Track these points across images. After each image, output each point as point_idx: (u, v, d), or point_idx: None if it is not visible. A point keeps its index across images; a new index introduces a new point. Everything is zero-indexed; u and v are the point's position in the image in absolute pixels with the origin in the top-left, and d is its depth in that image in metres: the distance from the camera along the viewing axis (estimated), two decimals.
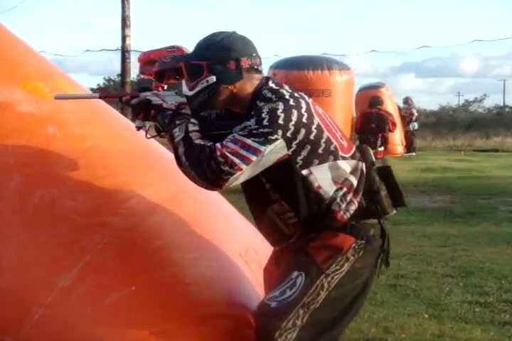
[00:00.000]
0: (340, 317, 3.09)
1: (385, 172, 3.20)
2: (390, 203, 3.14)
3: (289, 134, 2.82)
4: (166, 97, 3.08)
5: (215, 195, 4.29)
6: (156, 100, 3.04)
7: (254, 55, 2.99)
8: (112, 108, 4.44)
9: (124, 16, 23.19)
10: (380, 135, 14.23)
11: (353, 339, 4.85)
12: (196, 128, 2.91)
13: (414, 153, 23.66)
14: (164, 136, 3.11)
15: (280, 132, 2.80)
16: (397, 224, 8.75)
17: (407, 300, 6.08)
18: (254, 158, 2.77)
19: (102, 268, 3.24)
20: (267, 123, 2.79)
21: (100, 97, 3.71)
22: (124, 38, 23.27)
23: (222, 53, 2.91)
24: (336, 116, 13.35)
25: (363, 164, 3.11)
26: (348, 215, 3.00)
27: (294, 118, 2.84)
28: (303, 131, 2.87)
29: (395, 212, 3.18)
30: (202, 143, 2.84)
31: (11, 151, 3.48)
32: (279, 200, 3.05)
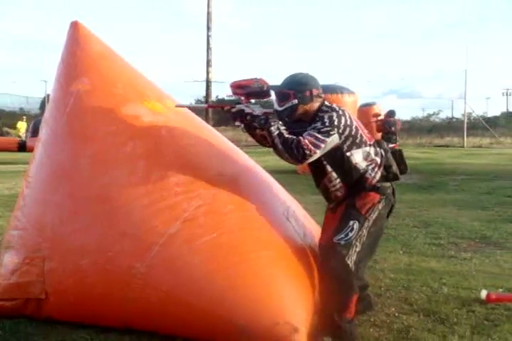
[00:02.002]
0: (374, 243, 4.28)
1: (398, 154, 4.37)
2: (398, 173, 4.26)
3: (340, 131, 4.04)
4: (254, 108, 4.21)
5: (266, 175, 5.16)
6: (248, 110, 4.19)
7: (319, 87, 4.24)
8: (200, 118, 5.25)
9: (208, 59, 33.96)
10: (396, 134, 17.29)
11: None
12: (284, 127, 4.07)
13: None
14: (251, 132, 4.27)
15: (336, 129, 4.03)
16: None
17: (388, 242, 7.29)
18: (322, 145, 3.97)
19: (195, 221, 3.99)
20: (328, 124, 4.02)
21: (208, 107, 5.10)
22: (207, 73, 34.36)
23: (302, 86, 4.15)
24: None
25: (381, 150, 4.26)
26: (375, 180, 4.17)
27: (343, 121, 4.07)
28: (348, 129, 4.09)
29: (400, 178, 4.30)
30: (291, 136, 4.00)
31: (138, 145, 4.26)
32: (331, 173, 4.20)
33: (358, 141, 4.14)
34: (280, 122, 4.09)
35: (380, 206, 4.18)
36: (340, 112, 4.12)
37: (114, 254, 3.94)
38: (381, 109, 22.93)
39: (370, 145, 4.21)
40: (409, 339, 4.06)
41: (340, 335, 3.97)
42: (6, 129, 37.56)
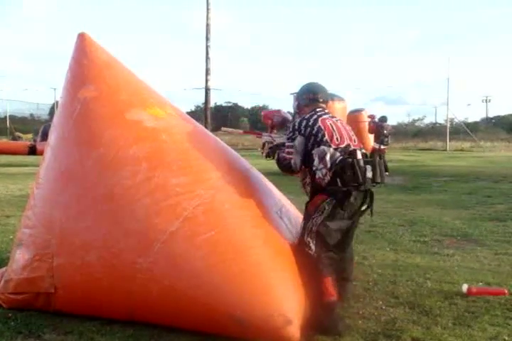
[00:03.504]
0: (341, 237, 4.31)
1: (371, 162, 4.30)
2: (354, 180, 4.15)
3: (302, 132, 4.23)
4: (275, 138, 4.58)
5: (261, 176, 5.17)
6: (269, 139, 4.61)
7: (317, 92, 4.53)
8: (201, 125, 5.30)
9: (207, 68, 34.13)
10: (388, 137, 17.06)
11: None
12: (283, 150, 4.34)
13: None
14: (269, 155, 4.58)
15: (296, 132, 4.25)
16: None
17: (376, 240, 7.33)
18: (292, 150, 4.23)
19: (195, 220, 3.97)
20: (291, 130, 4.32)
21: (243, 133, 5.81)
22: (206, 81, 34.48)
23: (301, 90, 4.61)
24: None
25: (346, 156, 4.18)
26: (324, 183, 4.17)
27: (304, 123, 4.28)
28: (308, 129, 4.24)
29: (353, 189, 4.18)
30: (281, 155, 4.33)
31: (141, 148, 4.26)
32: (305, 169, 4.36)
33: (318, 139, 4.23)
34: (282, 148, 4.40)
35: (328, 207, 4.18)
36: (306, 117, 4.35)
37: (118, 250, 3.95)
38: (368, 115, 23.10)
39: (331, 147, 4.21)
40: (396, 331, 4.06)
41: (324, 329, 3.98)
42: (17, 134, 37.52)
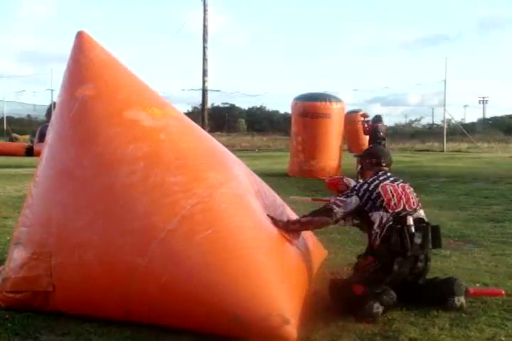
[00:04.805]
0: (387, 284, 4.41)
1: (432, 229, 4.57)
2: (401, 247, 4.37)
3: (360, 194, 4.48)
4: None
5: (257, 177, 5.20)
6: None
7: (381, 157, 4.86)
8: (199, 126, 5.31)
9: (204, 69, 33.82)
10: (384, 139, 16.66)
11: (340, 261, 5.90)
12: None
13: None
14: None
15: (354, 192, 4.50)
16: None
17: None
18: (341, 204, 4.46)
19: (192, 218, 3.98)
20: (350, 189, 4.62)
21: (312, 200, 6.30)
22: (204, 82, 34.11)
23: (367, 155, 4.96)
24: (333, 130, 16.01)
25: (395, 223, 4.41)
26: (375, 245, 4.44)
27: (364, 187, 4.53)
28: (367, 194, 4.48)
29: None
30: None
31: (139, 147, 4.27)
32: (367, 228, 4.55)
33: (377, 205, 4.45)
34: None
35: (371, 269, 4.43)
36: (369, 181, 4.62)
37: (116, 249, 3.96)
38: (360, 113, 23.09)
39: (388, 212, 4.46)
40: (393, 332, 4.06)
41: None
42: (14, 135, 37.44)
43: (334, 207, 4.45)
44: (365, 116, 17.34)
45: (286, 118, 38.02)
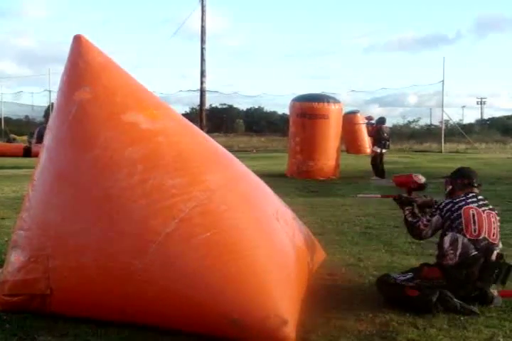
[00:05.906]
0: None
1: (506, 270, 4.54)
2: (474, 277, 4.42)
3: (442, 213, 4.65)
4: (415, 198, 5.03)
5: (256, 178, 5.18)
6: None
7: (471, 178, 4.93)
8: (197, 127, 5.28)
9: (202, 70, 34.00)
10: (389, 140, 16.92)
11: (338, 262, 5.98)
12: (410, 213, 4.96)
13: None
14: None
15: (438, 211, 4.67)
16: None
17: (372, 241, 7.33)
18: (428, 223, 4.73)
19: (191, 221, 3.98)
20: (435, 208, 4.79)
21: (382, 196, 6.34)
22: (202, 83, 34.35)
23: (456, 175, 4.99)
24: (331, 131, 16.04)
25: (476, 251, 4.46)
26: (446, 263, 4.50)
27: (448, 206, 4.65)
28: (448, 213, 4.60)
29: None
30: (414, 220, 4.92)
31: (137, 150, 4.26)
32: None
33: (454, 225, 4.54)
34: (410, 207, 4.96)
35: (436, 284, 4.46)
36: (455, 200, 4.71)
37: (114, 252, 3.95)
38: (362, 117, 23.10)
39: (465, 236, 4.51)
40: (391, 332, 4.06)
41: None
42: (12, 136, 37.40)
43: (422, 227, 4.77)
44: (369, 118, 17.58)
45: (284, 119, 37.88)
